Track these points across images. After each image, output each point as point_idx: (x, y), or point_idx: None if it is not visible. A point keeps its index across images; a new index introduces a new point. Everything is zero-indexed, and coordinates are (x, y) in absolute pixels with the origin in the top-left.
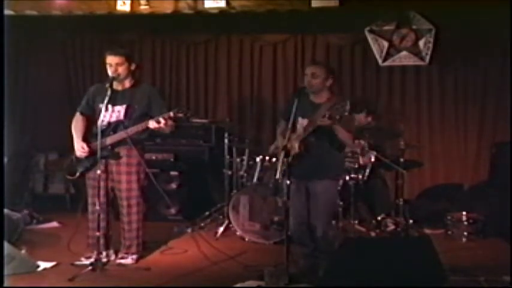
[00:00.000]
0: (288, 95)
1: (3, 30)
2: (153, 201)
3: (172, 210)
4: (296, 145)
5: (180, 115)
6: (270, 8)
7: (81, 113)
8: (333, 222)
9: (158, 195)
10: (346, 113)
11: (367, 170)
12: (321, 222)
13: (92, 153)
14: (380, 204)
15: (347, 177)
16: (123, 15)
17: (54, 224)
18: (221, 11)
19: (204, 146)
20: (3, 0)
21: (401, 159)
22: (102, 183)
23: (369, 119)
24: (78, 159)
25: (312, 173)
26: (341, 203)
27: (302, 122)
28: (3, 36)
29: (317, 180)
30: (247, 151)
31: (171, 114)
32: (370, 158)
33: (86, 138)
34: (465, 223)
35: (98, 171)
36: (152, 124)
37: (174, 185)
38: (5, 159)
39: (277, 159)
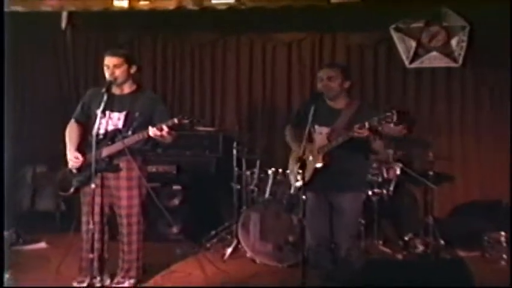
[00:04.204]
0: (304, 101)
1: (3, 29)
2: (153, 219)
3: (175, 229)
4: (320, 157)
5: (185, 122)
6: (284, 4)
7: (76, 121)
8: None
9: (158, 212)
10: (392, 125)
11: (393, 184)
12: (346, 241)
13: (87, 165)
14: (407, 222)
15: (370, 192)
16: (121, 12)
17: (43, 244)
18: (230, 7)
19: (210, 157)
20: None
21: (431, 173)
22: (97, 199)
23: (405, 131)
24: (73, 172)
25: (335, 186)
26: (363, 221)
27: (320, 130)
28: (3, 36)
29: (341, 193)
30: (258, 163)
31: (175, 121)
32: (396, 171)
33: (80, 148)
34: (504, 244)
35: (92, 186)
36: (153, 132)
37: (176, 201)
38: None
39: (291, 171)
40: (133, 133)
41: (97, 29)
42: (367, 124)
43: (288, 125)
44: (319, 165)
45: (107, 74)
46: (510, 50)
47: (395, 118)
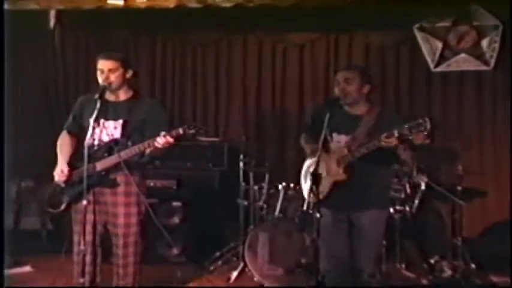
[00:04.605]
0: (319, 106)
1: (3, 29)
2: (151, 239)
3: (175, 251)
4: (340, 170)
5: (192, 132)
6: (296, 1)
7: (69, 132)
8: None
9: (157, 231)
10: (426, 133)
11: (417, 201)
12: (367, 264)
13: (81, 179)
14: (433, 243)
15: (391, 210)
16: (116, 11)
17: (28, 268)
18: (236, 4)
19: (213, 171)
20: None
21: (459, 188)
22: (89, 217)
23: (427, 139)
24: (64, 187)
25: (356, 202)
26: (384, 242)
27: (338, 139)
28: (3, 35)
29: (363, 210)
30: (267, 177)
31: (180, 131)
32: (420, 186)
33: (72, 161)
34: None
35: (84, 202)
36: (162, 142)
37: (176, 219)
38: None
39: (304, 185)
40: (132, 144)
41: (89, 29)
42: (396, 132)
43: (303, 133)
44: (340, 178)
45: (101, 79)
46: (510, 51)
47: (428, 126)
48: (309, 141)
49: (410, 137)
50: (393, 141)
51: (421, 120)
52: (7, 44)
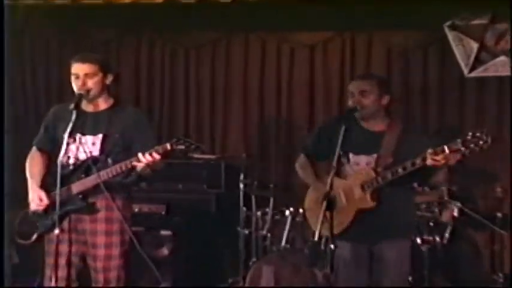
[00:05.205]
0: (326, 121)
1: (3, 28)
2: (136, 274)
3: (164, 286)
4: (367, 196)
5: (181, 147)
6: None
7: (39, 149)
8: None
9: (143, 265)
10: (486, 148)
11: (448, 229)
12: None
13: (54, 205)
14: (468, 280)
15: (418, 240)
16: (95, 6)
17: None
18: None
19: (209, 193)
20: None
21: (499, 214)
22: (62, 248)
23: (459, 157)
24: (37, 214)
25: (379, 231)
26: (410, 277)
27: (357, 160)
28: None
29: (387, 240)
30: (272, 200)
31: (168, 146)
32: (453, 212)
33: (45, 184)
34: None
35: (56, 231)
36: (146, 159)
37: (165, 251)
38: None
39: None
40: (113, 162)
41: (62, 28)
42: (447, 149)
43: (301, 154)
44: (368, 206)
45: (76, 86)
46: (510, 51)
47: (489, 140)
48: (305, 166)
49: (467, 153)
50: (443, 160)
51: (478, 134)
52: None
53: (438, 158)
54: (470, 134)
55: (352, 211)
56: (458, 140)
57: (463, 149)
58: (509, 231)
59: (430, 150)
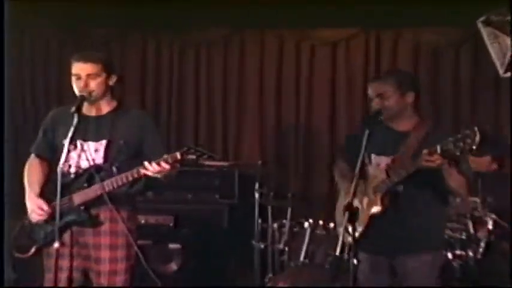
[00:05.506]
0: (353, 123)
1: (3, 28)
2: None
3: None
4: (377, 199)
5: (192, 157)
6: None
7: (37, 156)
8: None
9: (150, 281)
10: (474, 147)
11: (483, 244)
12: None
13: (54, 217)
14: None
15: (449, 255)
16: (96, 1)
17: None
18: None
19: (221, 204)
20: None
21: None
22: (63, 263)
23: (495, 165)
24: (35, 226)
25: (400, 244)
26: None
27: (378, 161)
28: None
29: (409, 254)
30: (289, 211)
31: (178, 156)
32: (487, 225)
33: (45, 194)
34: None
35: (56, 245)
36: (153, 169)
37: (174, 266)
38: None
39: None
40: (118, 170)
41: (61, 25)
42: (438, 148)
43: (338, 160)
44: (375, 210)
45: (77, 87)
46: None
47: (477, 139)
48: (344, 174)
49: (457, 153)
50: (437, 160)
51: (467, 131)
52: None
53: (432, 158)
54: (461, 133)
55: (366, 217)
56: (450, 139)
57: (452, 148)
58: None
59: (425, 151)
